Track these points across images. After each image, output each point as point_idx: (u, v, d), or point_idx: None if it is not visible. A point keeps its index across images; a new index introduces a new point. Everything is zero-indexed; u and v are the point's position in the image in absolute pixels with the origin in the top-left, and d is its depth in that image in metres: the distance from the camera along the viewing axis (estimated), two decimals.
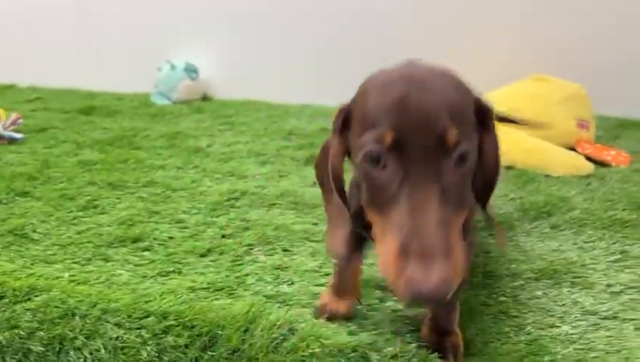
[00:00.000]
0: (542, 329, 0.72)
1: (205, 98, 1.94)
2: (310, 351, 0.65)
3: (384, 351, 0.64)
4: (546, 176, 1.24)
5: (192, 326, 0.68)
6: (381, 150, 0.46)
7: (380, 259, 0.46)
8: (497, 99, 1.46)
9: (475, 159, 0.50)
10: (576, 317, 0.75)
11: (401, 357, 0.63)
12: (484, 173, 0.55)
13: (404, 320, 0.73)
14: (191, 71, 1.84)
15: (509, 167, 1.30)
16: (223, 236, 0.94)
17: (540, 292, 0.81)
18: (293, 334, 0.67)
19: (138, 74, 1.97)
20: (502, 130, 1.48)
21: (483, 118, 0.53)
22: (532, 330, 0.72)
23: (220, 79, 1.98)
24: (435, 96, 0.47)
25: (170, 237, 0.94)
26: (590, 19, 1.74)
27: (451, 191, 0.46)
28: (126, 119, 1.66)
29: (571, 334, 0.71)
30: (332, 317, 0.71)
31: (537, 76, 1.47)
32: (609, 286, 0.83)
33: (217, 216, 1.01)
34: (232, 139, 1.47)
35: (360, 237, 0.65)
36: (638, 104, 1.74)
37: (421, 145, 0.45)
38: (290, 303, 0.76)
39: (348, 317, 0.72)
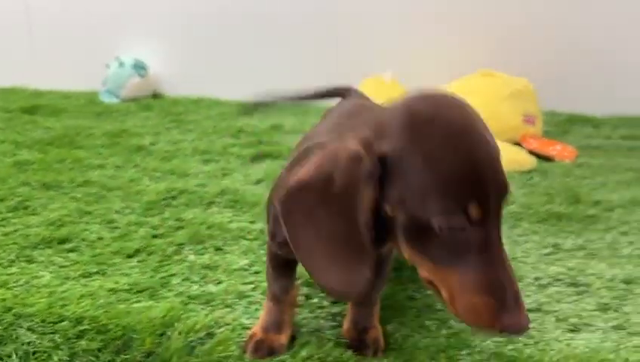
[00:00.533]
0: (462, 321, 0.72)
1: (156, 95, 1.91)
2: (227, 353, 0.64)
3: (301, 354, 0.63)
4: None
5: (107, 330, 0.66)
6: (463, 220, 0.47)
7: (461, 306, 0.49)
8: None
9: None
10: None
11: (317, 357, 0.63)
12: None
13: (328, 317, 0.72)
14: (139, 68, 1.81)
15: None
16: (154, 236, 0.92)
17: None
18: (211, 338, 0.65)
19: (86, 72, 1.92)
20: None
21: None
22: (454, 324, 0.72)
23: (172, 76, 1.94)
24: (494, 150, 0.49)
25: (99, 238, 0.91)
26: (542, 17, 1.76)
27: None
28: (71, 118, 1.62)
29: None
30: (272, 353, 0.65)
31: (485, 72, 1.48)
32: (537, 279, 0.83)
33: (151, 216, 0.99)
34: (178, 137, 1.45)
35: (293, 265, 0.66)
36: (587, 100, 1.78)
37: (495, 207, 0.48)
38: (215, 303, 0.74)
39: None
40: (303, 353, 0.63)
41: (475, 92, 1.42)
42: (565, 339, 0.69)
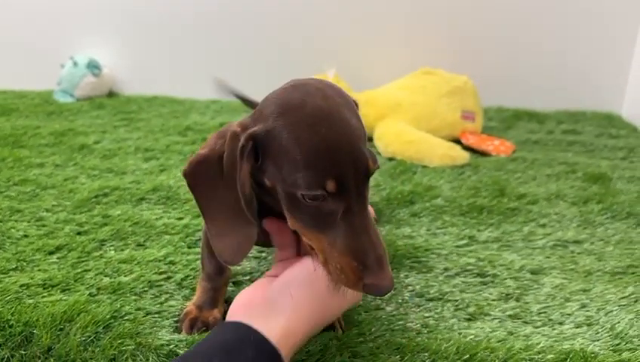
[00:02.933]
0: (366, 312, 0.75)
1: (111, 94, 1.91)
2: (123, 348, 0.65)
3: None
4: (424, 166, 1.28)
5: (10, 326, 0.68)
6: (323, 194, 0.54)
7: (331, 269, 0.56)
8: (387, 92, 1.50)
9: None
10: (403, 299, 0.78)
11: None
12: None
13: None
14: (93, 67, 1.81)
15: (390, 159, 1.34)
16: (79, 233, 0.93)
17: None
18: (107, 332, 0.67)
19: (42, 71, 1.92)
20: (385, 124, 1.52)
21: None
22: (358, 312, 0.74)
23: (127, 75, 1.94)
24: (355, 131, 0.56)
25: (25, 236, 0.92)
26: (489, 16, 1.79)
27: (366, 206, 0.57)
28: (21, 118, 1.62)
29: (393, 315, 0.74)
30: (207, 328, 0.70)
31: (426, 70, 1.51)
32: (446, 269, 0.86)
33: (80, 213, 1.00)
34: (124, 136, 1.45)
35: None
36: (533, 95, 1.82)
37: (354, 182, 0.54)
38: (122, 292, 0.76)
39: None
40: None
41: (416, 89, 1.46)
42: (460, 329, 0.72)
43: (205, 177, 0.59)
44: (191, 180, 0.60)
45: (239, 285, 0.81)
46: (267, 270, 0.84)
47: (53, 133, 1.45)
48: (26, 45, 1.97)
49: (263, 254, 0.90)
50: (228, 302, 0.74)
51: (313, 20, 1.84)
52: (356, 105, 0.61)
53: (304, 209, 0.55)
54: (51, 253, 0.87)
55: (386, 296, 0.78)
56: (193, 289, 0.78)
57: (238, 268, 0.84)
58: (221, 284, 0.74)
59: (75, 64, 1.81)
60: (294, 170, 0.54)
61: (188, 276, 0.81)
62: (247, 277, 0.83)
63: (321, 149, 0.53)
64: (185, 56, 1.93)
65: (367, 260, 0.54)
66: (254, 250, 0.90)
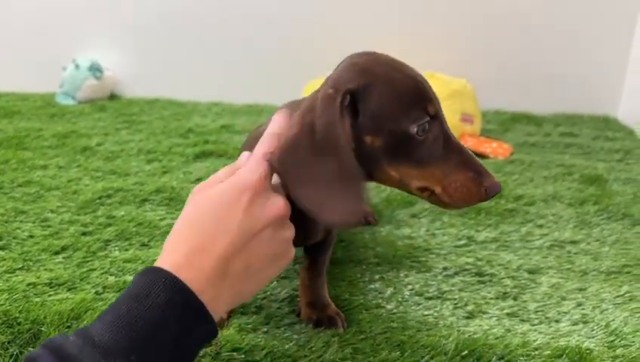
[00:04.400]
0: (367, 309, 0.76)
1: (113, 97, 1.93)
2: None
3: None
4: None
5: (17, 324, 0.69)
6: (428, 120, 0.59)
7: (451, 191, 0.60)
8: None
9: None
10: (403, 297, 0.80)
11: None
12: None
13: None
14: (95, 70, 1.83)
15: None
16: (83, 233, 0.95)
17: (377, 276, 0.85)
18: None
19: (45, 74, 1.93)
20: None
21: None
22: (358, 311, 0.76)
23: (129, 77, 1.96)
24: (420, 73, 0.62)
25: (31, 236, 0.94)
26: (485, 19, 1.81)
27: None
28: (24, 120, 1.64)
29: (393, 313, 0.76)
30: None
31: (426, 73, 1.52)
32: (445, 269, 0.88)
33: (84, 214, 1.02)
34: (126, 138, 1.47)
35: None
36: (531, 98, 1.84)
37: (439, 107, 0.61)
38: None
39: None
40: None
41: None
42: (459, 326, 0.74)
43: (298, 160, 0.57)
44: (285, 169, 0.56)
45: None
46: (286, 268, 0.86)
47: (55, 135, 1.46)
48: (28, 48, 1.99)
49: None
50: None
51: (314, 24, 1.86)
52: None
53: (414, 147, 0.58)
54: (57, 252, 0.89)
55: (387, 294, 0.80)
56: None
57: None
58: None
59: (77, 67, 1.82)
60: (398, 109, 0.58)
61: None
62: None
63: (411, 85, 0.59)
64: (186, 59, 1.95)
65: (480, 168, 0.60)
66: None
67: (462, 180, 0.59)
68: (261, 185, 0.54)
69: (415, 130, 0.58)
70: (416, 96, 0.59)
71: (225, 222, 0.51)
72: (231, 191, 0.53)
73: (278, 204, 0.54)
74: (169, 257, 0.50)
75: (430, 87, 0.61)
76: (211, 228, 0.51)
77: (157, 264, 0.49)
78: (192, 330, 0.48)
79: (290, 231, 0.56)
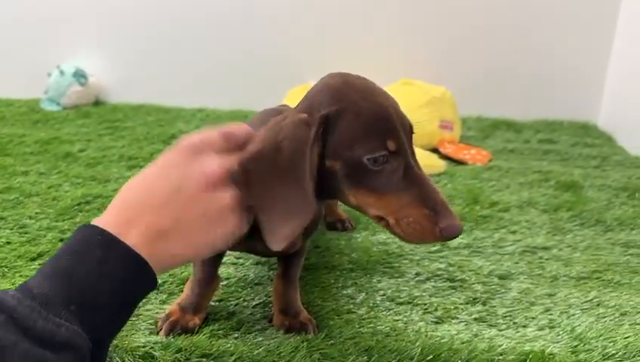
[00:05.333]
0: (338, 315, 0.78)
1: (97, 103, 1.94)
2: None
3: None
4: None
5: None
6: (386, 154, 0.58)
7: (403, 226, 0.59)
8: None
9: None
10: (374, 303, 0.81)
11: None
12: None
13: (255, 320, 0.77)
14: (80, 76, 1.83)
15: None
16: (61, 240, 0.95)
17: (350, 282, 0.86)
18: None
19: (29, 80, 1.94)
20: None
21: None
22: (329, 317, 0.77)
23: (114, 84, 1.97)
24: (395, 102, 0.63)
25: (8, 242, 0.94)
26: (470, 29, 1.84)
27: None
28: (7, 126, 1.64)
29: (364, 318, 0.77)
30: (185, 331, 0.72)
31: (405, 80, 1.55)
32: (417, 274, 0.89)
33: (62, 221, 1.02)
34: (109, 144, 1.48)
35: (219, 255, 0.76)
36: (511, 105, 1.87)
37: (406, 139, 0.60)
38: None
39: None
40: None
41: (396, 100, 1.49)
42: (427, 331, 0.75)
43: (260, 174, 0.57)
44: (245, 180, 0.57)
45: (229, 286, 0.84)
46: (260, 275, 0.87)
47: (38, 142, 1.47)
48: (13, 54, 2.00)
49: (257, 260, 0.92)
50: (211, 306, 0.77)
51: (296, 32, 1.88)
52: None
53: (370, 176, 0.59)
54: (33, 259, 0.89)
55: (359, 299, 0.81)
56: (170, 294, 0.81)
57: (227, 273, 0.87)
58: (208, 291, 0.76)
59: (62, 73, 1.83)
60: (357, 138, 0.58)
61: (166, 281, 0.83)
62: (224, 283, 0.85)
63: (378, 116, 0.59)
64: (171, 65, 1.96)
65: (436, 206, 0.57)
66: (251, 259, 0.92)
67: (415, 216, 0.58)
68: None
69: (368, 160, 0.58)
70: (378, 127, 0.59)
71: (160, 182, 0.54)
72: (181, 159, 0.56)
73: (211, 165, 0.55)
74: (106, 215, 0.53)
75: (400, 117, 0.61)
76: (147, 186, 0.54)
77: (94, 222, 0.51)
78: (129, 282, 0.50)
79: (226, 197, 0.55)
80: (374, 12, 1.84)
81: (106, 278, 0.48)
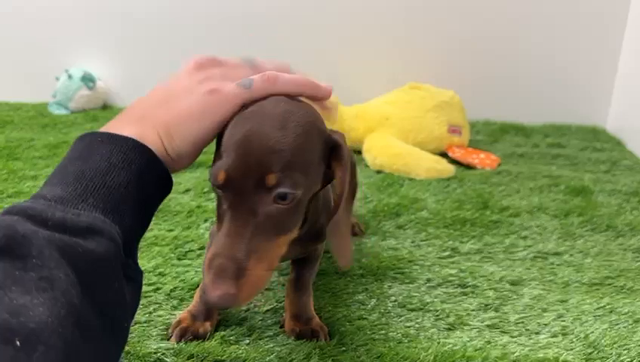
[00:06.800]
0: (349, 321, 0.77)
1: (105, 107, 1.94)
2: None
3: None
4: (410, 179, 1.31)
5: None
6: (217, 184, 0.53)
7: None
8: (376, 106, 1.53)
9: (308, 193, 0.57)
10: (386, 309, 0.80)
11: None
12: (336, 199, 0.62)
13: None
14: (88, 80, 1.84)
15: (378, 171, 1.37)
16: None
17: (361, 288, 0.86)
18: None
19: (37, 84, 1.95)
20: (373, 137, 1.55)
21: (334, 152, 0.60)
22: (341, 323, 0.76)
23: (122, 88, 1.97)
24: (270, 141, 0.53)
25: None
26: (474, 30, 1.83)
27: (269, 222, 0.54)
28: (16, 130, 1.64)
29: (375, 325, 0.77)
30: (197, 339, 0.71)
31: (413, 85, 1.54)
32: (428, 280, 0.89)
33: None
34: None
35: None
36: (520, 109, 1.86)
37: (244, 184, 0.53)
38: None
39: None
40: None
41: (404, 104, 1.49)
42: (439, 338, 0.75)
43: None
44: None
45: None
46: (270, 281, 0.87)
47: (47, 146, 1.47)
48: (21, 58, 2.00)
49: None
50: (221, 315, 0.77)
51: (304, 35, 1.87)
52: (337, 142, 0.59)
53: (216, 197, 0.56)
54: None
55: (370, 305, 0.81)
56: (182, 300, 0.80)
57: None
58: None
59: (70, 77, 1.83)
60: (216, 157, 0.55)
61: (177, 287, 0.83)
62: None
63: (232, 145, 0.53)
64: (177, 69, 1.96)
65: (212, 264, 0.51)
66: None
67: (204, 270, 0.53)
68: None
69: (213, 188, 0.55)
70: (224, 157, 0.53)
71: (158, 90, 0.57)
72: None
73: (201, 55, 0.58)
74: (104, 127, 0.52)
75: (258, 159, 0.52)
76: (146, 97, 0.56)
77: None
78: (143, 172, 0.49)
79: (208, 85, 0.55)
80: (381, 15, 1.83)
81: (116, 169, 0.47)
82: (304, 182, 0.55)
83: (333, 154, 0.60)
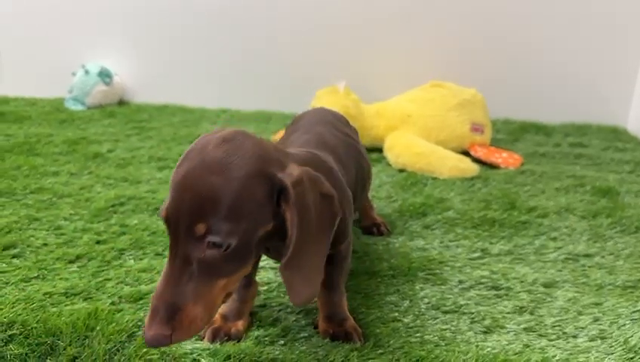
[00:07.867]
0: (383, 323, 0.76)
1: (122, 103, 1.93)
2: (148, 357, 0.66)
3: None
4: (434, 178, 1.29)
5: (35, 335, 0.69)
6: (162, 220, 0.56)
7: None
8: (397, 104, 1.52)
9: (250, 235, 0.57)
10: (420, 311, 0.79)
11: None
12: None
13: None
14: (105, 76, 1.83)
15: (401, 170, 1.35)
16: (97, 242, 0.95)
17: (393, 289, 0.85)
18: (131, 341, 0.68)
19: (54, 79, 1.94)
20: (395, 135, 1.54)
21: (282, 194, 0.58)
22: (375, 324, 0.75)
23: (138, 84, 1.97)
24: (203, 187, 0.54)
25: (45, 244, 0.94)
26: (497, 30, 1.82)
27: (204, 268, 0.55)
28: (34, 125, 1.64)
29: (410, 327, 0.75)
30: (229, 339, 0.71)
31: (434, 83, 1.53)
32: (460, 282, 0.87)
33: (97, 222, 1.02)
34: (137, 145, 1.47)
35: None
36: (539, 107, 1.84)
37: (177, 228, 0.54)
38: (143, 302, 0.77)
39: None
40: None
41: (425, 102, 1.47)
42: (476, 341, 0.73)
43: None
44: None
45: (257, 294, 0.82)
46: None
47: (66, 142, 1.46)
48: (37, 53, 2.00)
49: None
50: (253, 314, 0.76)
51: (325, 33, 1.86)
52: (284, 185, 0.58)
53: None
54: (72, 261, 0.89)
55: (403, 307, 0.80)
56: None
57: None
58: (248, 297, 0.75)
59: (87, 72, 1.83)
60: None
61: None
62: (265, 288, 0.84)
63: (172, 185, 0.56)
64: (195, 65, 1.95)
65: (151, 304, 0.54)
66: (271, 261, 0.91)
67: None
68: None
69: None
70: (170, 187, 0.56)
71: None
72: None
73: None
74: None
75: (184, 204, 0.54)
76: None
77: None
78: None
79: None
80: (402, 13, 1.82)
81: None
82: (238, 229, 0.55)
83: (281, 195, 0.58)
